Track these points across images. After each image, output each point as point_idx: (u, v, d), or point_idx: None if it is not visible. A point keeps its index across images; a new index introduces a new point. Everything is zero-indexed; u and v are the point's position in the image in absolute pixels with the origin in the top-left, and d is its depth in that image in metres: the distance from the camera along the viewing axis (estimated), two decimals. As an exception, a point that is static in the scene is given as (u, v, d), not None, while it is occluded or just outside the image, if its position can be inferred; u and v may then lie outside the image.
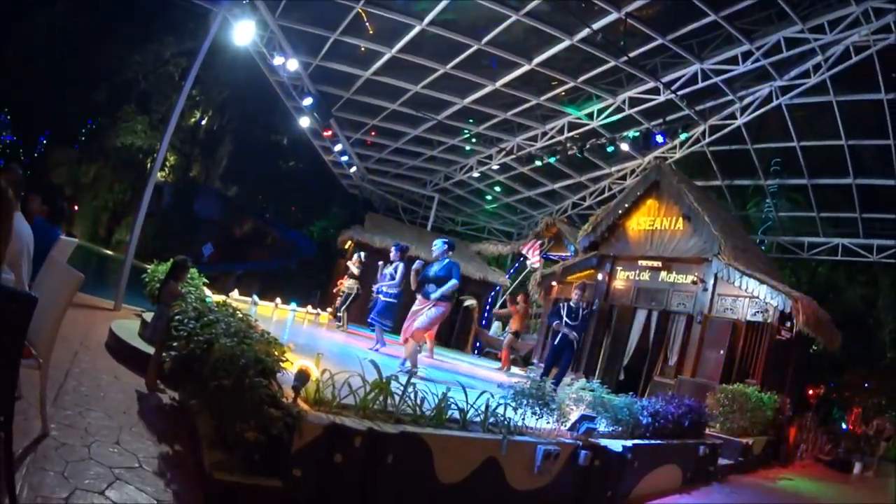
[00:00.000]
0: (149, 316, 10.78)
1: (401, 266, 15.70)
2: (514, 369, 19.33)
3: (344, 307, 18.85)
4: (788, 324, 16.91)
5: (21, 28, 43.45)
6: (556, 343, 15.67)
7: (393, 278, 15.56)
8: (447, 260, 12.18)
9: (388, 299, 15.38)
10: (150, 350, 8.87)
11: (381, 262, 17.04)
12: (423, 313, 11.87)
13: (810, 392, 28.24)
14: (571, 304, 15.92)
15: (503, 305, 27.68)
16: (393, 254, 16.03)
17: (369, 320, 15.57)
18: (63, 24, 45.15)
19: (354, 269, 18.95)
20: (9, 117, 50.98)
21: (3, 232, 4.47)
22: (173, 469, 5.93)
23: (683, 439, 11.19)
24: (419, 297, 12.02)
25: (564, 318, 15.55)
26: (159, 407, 8.04)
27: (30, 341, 5.44)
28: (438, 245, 12.36)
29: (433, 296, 11.76)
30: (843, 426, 26.33)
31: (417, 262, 12.39)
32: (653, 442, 9.95)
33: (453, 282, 11.74)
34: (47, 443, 5.58)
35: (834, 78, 19.46)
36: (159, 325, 8.53)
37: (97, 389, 7.85)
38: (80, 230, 50.92)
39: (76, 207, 55.43)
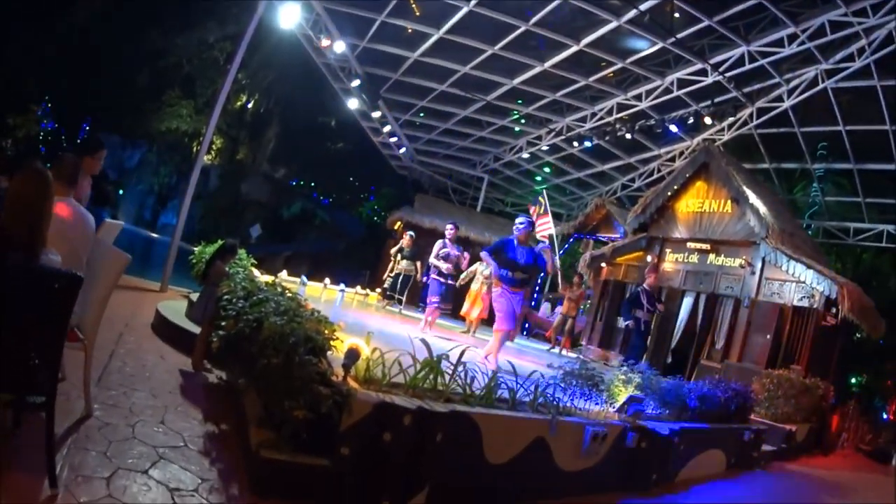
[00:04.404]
0: (195, 297, 10.79)
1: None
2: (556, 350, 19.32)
3: (406, 290, 18.52)
4: (834, 310, 16.69)
5: (61, 14, 43.58)
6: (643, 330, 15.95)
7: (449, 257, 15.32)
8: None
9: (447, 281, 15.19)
10: (197, 330, 8.90)
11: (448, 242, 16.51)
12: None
13: (852, 380, 28.00)
14: (647, 287, 16.03)
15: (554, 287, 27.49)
16: (450, 232, 15.71)
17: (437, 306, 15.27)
18: (103, 10, 45.17)
19: (405, 249, 18.61)
20: (49, 105, 51.17)
21: (45, 213, 4.47)
22: (219, 448, 5.94)
23: (729, 424, 11.12)
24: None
25: (646, 305, 15.65)
26: (205, 387, 8.08)
27: (75, 323, 5.45)
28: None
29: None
30: (884, 416, 26.08)
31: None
32: (699, 426, 9.88)
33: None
34: (90, 423, 5.61)
35: (878, 62, 19.21)
36: (209, 306, 8.54)
37: (142, 370, 7.89)
38: (125, 214, 51.28)
39: (121, 191, 55.86)
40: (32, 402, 4.33)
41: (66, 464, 4.71)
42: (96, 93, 48.19)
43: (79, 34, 44.83)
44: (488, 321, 15.76)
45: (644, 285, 17.17)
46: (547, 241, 11.63)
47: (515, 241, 10.91)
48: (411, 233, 19.25)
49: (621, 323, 19.82)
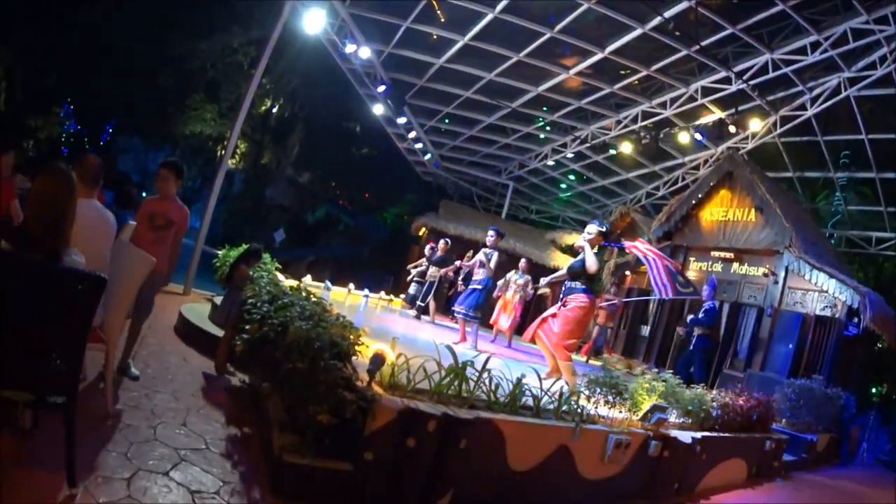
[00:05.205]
0: (219, 300, 10.81)
1: (495, 254, 14.62)
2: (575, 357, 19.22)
3: (430, 297, 18.22)
4: (855, 320, 16.65)
5: (83, 16, 43.52)
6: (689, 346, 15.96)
7: (483, 266, 14.53)
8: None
9: (476, 287, 14.38)
10: (220, 333, 8.92)
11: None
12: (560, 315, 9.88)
13: (873, 390, 27.87)
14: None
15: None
16: (491, 238, 14.77)
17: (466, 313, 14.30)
18: (126, 13, 45.06)
19: (437, 254, 18.38)
20: (72, 107, 51.17)
21: (68, 213, 4.50)
22: (241, 451, 5.98)
23: (751, 433, 11.06)
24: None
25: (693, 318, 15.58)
26: (228, 390, 8.11)
27: (97, 324, 5.46)
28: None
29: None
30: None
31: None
32: (721, 434, 9.88)
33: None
34: (111, 424, 5.66)
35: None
36: (232, 309, 8.55)
37: (165, 372, 7.95)
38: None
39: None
40: (53, 401, 4.36)
41: (86, 464, 4.73)
42: (119, 96, 48.14)
43: (101, 37, 44.77)
44: (520, 332, 15.77)
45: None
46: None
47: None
48: (447, 239, 19.15)
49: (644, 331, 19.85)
